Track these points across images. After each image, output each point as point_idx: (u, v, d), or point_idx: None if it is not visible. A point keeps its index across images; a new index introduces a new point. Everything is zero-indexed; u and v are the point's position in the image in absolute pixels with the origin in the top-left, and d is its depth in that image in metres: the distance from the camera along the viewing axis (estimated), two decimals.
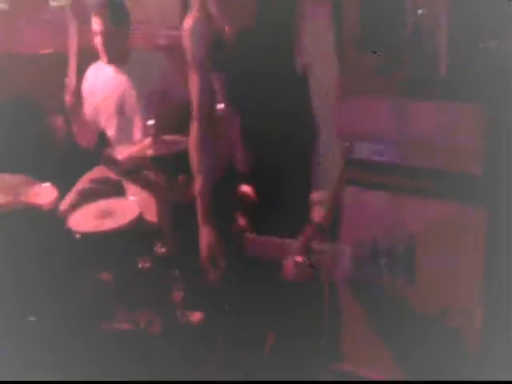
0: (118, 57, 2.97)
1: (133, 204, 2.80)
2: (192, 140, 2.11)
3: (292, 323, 2.00)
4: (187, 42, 1.99)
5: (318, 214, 1.77)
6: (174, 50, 3.74)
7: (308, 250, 1.72)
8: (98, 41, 2.93)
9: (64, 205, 2.91)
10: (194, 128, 2.11)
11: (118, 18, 2.93)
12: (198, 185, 2.10)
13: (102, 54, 2.97)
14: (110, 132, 3.08)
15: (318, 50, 1.76)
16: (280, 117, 1.88)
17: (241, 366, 2.19)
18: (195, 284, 2.75)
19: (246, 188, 2.09)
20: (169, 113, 2.98)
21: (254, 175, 2.04)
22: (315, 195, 1.79)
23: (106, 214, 2.72)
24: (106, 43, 2.91)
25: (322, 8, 1.79)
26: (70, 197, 2.99)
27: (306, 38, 1.75)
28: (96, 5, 2.94)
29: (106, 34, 2.90)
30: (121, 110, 3.03)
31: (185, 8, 3.84)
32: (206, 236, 2.06)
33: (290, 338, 2.03)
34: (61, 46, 3.85)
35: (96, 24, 2.91)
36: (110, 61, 2.97)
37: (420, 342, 2.34)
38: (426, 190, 2.30)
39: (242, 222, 2.04)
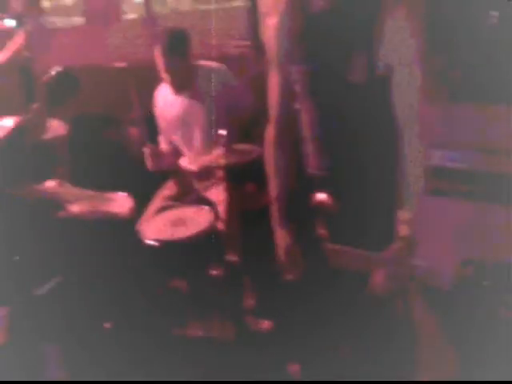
0: (185, 84, 3.03)
1: (205, 212, 2.84)
2: (268, 144, 2.11)
3: (367, 334, 1.98)
4: (271, 39, 1.99)
5: (404, 225, 1.75)
6: (241, 60, 3.83)
7: (398, 262, 1.70)
8: (162, 73, 2.99)
9: (142, 222, 2.99)
10: (271, 132, 2.07)
11: (179, 50, 2.96)
12: (274, 189, 2.10)
13: (168, 86, 3.04)
14: (182, 144, 3.15)
15: (401, 53, 1.75)
16: (361, 115, 1.85)
17: (311, 376, 2.20)
18: (266, 292, 2.77)
19: (323, 194, 2.08)
20: (238, 123, 3.03)
21: (332, 179, 2.03)
22: (401, 203, 1.76)
23: (179, 223, 2.78)
24: (170, 77, 2.98)
25: (406, 10, 1.77)
26: (147, 216, 3.06)
27: (389, 40, 1.74)
28: (157, 39, 3.00)
29: (169, 69, 2.95)
30: (192, 122, 3.09)
31: (254, 18, 3.90)
32: (283, 240, 2.06)
33: (364, 350, 2.01)
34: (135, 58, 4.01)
35: (159, 59, 2.96)
36: (178, 92, 3.03)
37: None
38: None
39: (320, 229, 2.04)
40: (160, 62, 2.95)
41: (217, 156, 2.61)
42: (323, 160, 2.03)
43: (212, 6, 4.39)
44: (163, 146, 3.24)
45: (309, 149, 2.06)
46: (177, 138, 3.17)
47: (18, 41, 3.28)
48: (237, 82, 3.07)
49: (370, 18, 1.76)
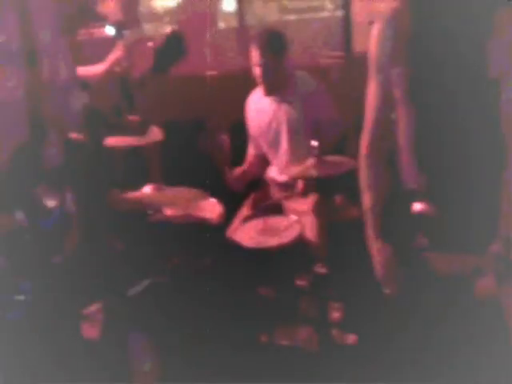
0: (277, 86, 3.06)
1: (294, 223, 2.86)
2: (362, 155, 2.10)
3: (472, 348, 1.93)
4: (374, 46, 1.99)
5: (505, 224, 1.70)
6: (333, 70, 3.84)
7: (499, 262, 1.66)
8: (257, 72, 3.03)
9: (231, 229, 3.04)
10: (365, 142, 2.09)
11: (276, 49, 3.01)
12: (367, 202, 2.08)
13: (260, 86, 3.08)
14: (272, 153, 3.19)
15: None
16: (464, 122, 1.83)
17: None
18: (353, 305, 2.77)
19: (420, 204, 2.05)
20: (328, 133, 3.03)
21: (430, 189, 2.00)
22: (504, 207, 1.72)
23: (268, 231, 2.81)
24: (264, 76, 3.01)
25: None
26: (236, 223, 3.11)
27: (498, 55, 1.71)
28: (255, 37, 3.05)
29: (264, 67, 3.00)
30: (281, 133, 3.12)
31: (347, 28, 3.90)
32: (379, 252, 2.05)
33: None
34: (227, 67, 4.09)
35: (255, 56, 3.01)
36: (269, 93, 3.07)
37: None
38: None
39: (420, 238, 2.01)
40: (255, 59, 2.99)
41: (308, 167, 2.62)
42: (420, 173, 2.01)
43: (301, 16, 4.43)
44: (251, 151, 3.29)
45: (405, 160, 2.04)
46: (266, 145, 3.21)
47: (118, 52, 3.40)
48: (328, 93, 3.09)
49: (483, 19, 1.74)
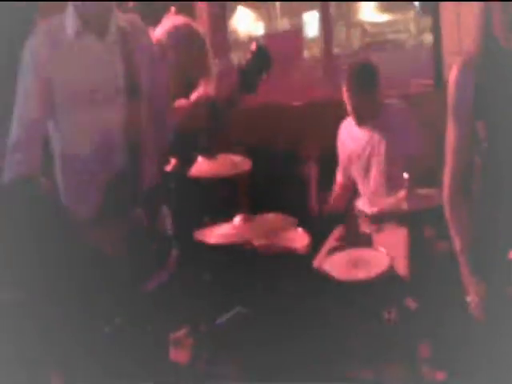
0: (369, 117, 3.06)
1: (383, 255, 2.83)
2: (445, 193, 2.07)
3: None
4: (451, 90, 1.99)
5: None
6: (423, 98, 3.80)
7: None
8: (348, 104, 3.04)
9: (318, 260, 3.03)
10: (447, 181, 2.06)
11: (367, 82, 3.02)
12: (457, 243, 2.06)
13: (352, 117, 3.09)
14: (361, 183, 3.18)
15: None
16: None
17: None
18: (443, 341, 2.70)
19: None
20: (419, 165, 3.00)
21: None
22: None
23: (357, 264, 2.79)
24: (356, 108, 3.02)
25: None
26: (323, 254, 3.10)
27: None
28: (346, 70, 3.07)
29: (355, 100, 3.00)
30: (371, 163, 3.11)
31: (438, 59, 3.87)
32: (473, 289, 2.01)
33: None
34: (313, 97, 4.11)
35: (346, 90, 3.03)
36: (361, 123, 3.07)
37: None
38: None
39: None
40: (347, 96, 3.01)
41: (399, 200, 2.60)
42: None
43: (388, 42, 4.43)
44: (340, 180, 3.29)
45: None
46: (356, 174, 3.21)
47: (203, 88, 3.45)
48: (419, 123, 3.06)
49: None
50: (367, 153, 3.12)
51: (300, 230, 2.99)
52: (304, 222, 3.02)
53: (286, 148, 3.86)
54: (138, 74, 2.22)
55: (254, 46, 2.33)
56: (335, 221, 3.30)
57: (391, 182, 3.00)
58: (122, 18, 2.28)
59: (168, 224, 2.59)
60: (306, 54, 4.89)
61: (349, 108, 3.07)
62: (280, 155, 3.86)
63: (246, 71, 2.34)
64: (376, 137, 3.09)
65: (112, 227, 2.22)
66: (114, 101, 2.20)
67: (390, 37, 9.31)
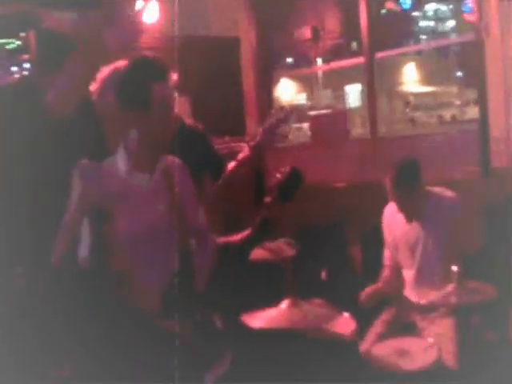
0: (413, 214, 3.11)
1: (430, 345, 2.82)
2: None
3: None
4: None
5: None
6: (469, 186, 3.79)
7: None
8: (392, 200, 3.12)
9: (364, 347, 3.03)
10: None
11: (411, 184, 3.07)
12: None
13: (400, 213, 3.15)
14: (408, 271, 3.19)
15: None
16: None
17: None
18: None
19: None
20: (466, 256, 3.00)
21: None
22: None
23: (404, 353, 2.78)
24: (398, 204, 3.09)
25: None
26: (369, 340, 3.11)
27: None
28: (388, 170, 3.12)
29: (400, 201, 3.08)
30: (418, 252, 3.12)
31: (484, 142, 3.87)
32: None
33: None
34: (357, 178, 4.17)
35: (389, 189, 3.09)
36: (409, 219, 3.12)
37: None
38: None
39: None
40: (391, 193, 3.07)
41: (448, 293, 2.61)
42: None
43: (436, 131, 4.50)
44: (387, 262, 3.29)
45: None
46: (402, 261, 3.21)
47: (246, 153, 3.53)
48: (466, 213, 3.08)
49: None
50: (413, 242, 3.14)
51: (346, 315, 3.00)
52: (350, 305, 3.04)
53: (330, 230, 3.90)
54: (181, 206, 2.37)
55: (288, 169, 2.49)
56: (382, 304, 3.31)
57: (439, 274, 3.01)
58: (167, 158, 2.43)
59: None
60: (351, 134, 4.97)
61: (394, 204, 3.12)
62: (324, 237, 3.89)
63: (281, 187, 2.49)
64: (422, 227, 3.12)
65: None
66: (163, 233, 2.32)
67: (433, 109, 9.35)
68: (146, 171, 2.33)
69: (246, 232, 2.60)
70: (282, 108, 3.21)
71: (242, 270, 3.03)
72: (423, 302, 2.69)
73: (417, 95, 10.32)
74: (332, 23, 4.84)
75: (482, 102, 3.90)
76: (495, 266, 2.84)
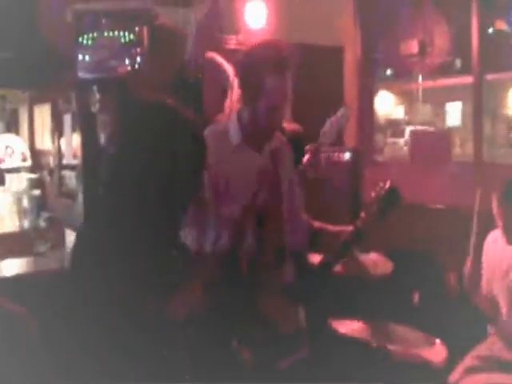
0: None
1: None
2: None
3: None
4: None
5: None
6: None
7: None
8: (499, 220, 2.99)
9: (454, 378, 2.94)
10: None
11: None
12: None
13: (503, 234, 3.02)
14: (504, 304, 3.04)
15: None
16: None
17: None
18: None
19: None
20: None
21: None
22: None
23: None
24: (506, 229, 2.97)
25: None
26: (459, 371, 3.00)
27: None
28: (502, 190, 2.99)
29: (507, 220, 2.96)
30: None
31: None
32: None
33: None
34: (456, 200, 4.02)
35: (499, 207, 2.97)
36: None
37: None
38: None
39: None
40: (498, 213, 2.95)
41: None
42: None
43: None
44: (483, 291, 3.15)
45: None
46: (499, 292, 3.07)
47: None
48: None
49: None
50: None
51: (438, 341, 2.90)
52: (444, 334, 2.93)
53: (425, 253, 3.78)
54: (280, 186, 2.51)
55: (387, 186, 2.46)
56: (478, 335, 3.18)
57: None
58: (277, 138, 2.55)
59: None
60: (453, 154, 4.81)
61: (499, 225, 2.99)
62: (418, 259, 3.77)
63: (379, 204, 2.47)
64: None
65: None
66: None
67: None
68: (255, 148, 2.45)
69: (348, 228, 2.56)
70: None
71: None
72: None
73: None
74: (441, 39, 4.68)
75: None
76: None
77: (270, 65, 2.34)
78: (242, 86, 2.45)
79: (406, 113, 10.12)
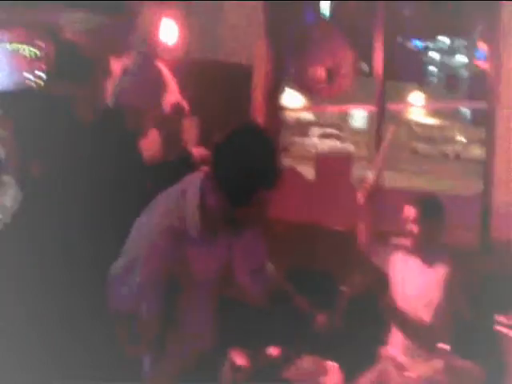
0: (429, 250, 3.06)
1: None
2: None
3: None
4: None
5: None
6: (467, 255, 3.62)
7: None
8: (414, 231, 3.05)
9: None
10: None
11: (438, 218, 3.05)
12: None
13: (411, 245, 3.10)
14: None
15: None
16: None
17: None
18: None
19: None
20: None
21: None
22: None
23: None
24: (417, 240, 3.05)
25: None
26: None
27: None
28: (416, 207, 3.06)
29: (423, 232, 3.02)
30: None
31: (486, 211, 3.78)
32: None
33: None
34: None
35: (414, 222, 3.03)
36: (424, 259, 3.07)
37: None
38: None
39: None
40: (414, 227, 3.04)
41: (436, 370, 2.62)
42: None
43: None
44: None
45: None
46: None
47: None
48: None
49: None
50: (423, 297, 3.02)
51: (332, 364, 2.97)
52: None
53: (322, 274, 3.81)
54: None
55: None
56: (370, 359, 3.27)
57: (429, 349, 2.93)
58: None
59: None
60: (353, 177, 4.93)
61: (411, 237, 3.06)
62: (316, 280, 3.77)
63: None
64: (431, 281, 3.01)
65: None
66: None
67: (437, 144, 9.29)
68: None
69: None
70: None
71: None
72: (410, 376, 2.67)
73: (422, 126, 10.24)
74: (348, 67, 4.74)
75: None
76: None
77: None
78: None
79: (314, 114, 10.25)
